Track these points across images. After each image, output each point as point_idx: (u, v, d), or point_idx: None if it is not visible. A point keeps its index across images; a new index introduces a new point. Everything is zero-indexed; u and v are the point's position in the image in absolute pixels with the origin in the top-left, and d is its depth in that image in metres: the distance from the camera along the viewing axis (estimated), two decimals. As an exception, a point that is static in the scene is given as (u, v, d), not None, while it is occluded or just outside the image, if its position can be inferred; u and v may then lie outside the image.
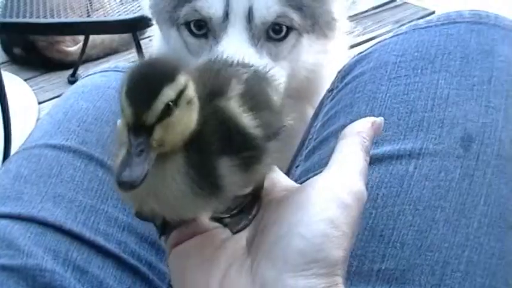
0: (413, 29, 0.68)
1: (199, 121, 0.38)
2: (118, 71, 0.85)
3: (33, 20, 1.50)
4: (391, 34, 0.71)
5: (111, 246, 0.61)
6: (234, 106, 0.40)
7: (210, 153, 0.38)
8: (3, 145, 1.79)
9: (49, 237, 0.59)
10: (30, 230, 0.59)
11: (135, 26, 1.49)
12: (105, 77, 0.83)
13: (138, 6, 1.55)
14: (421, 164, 0.56)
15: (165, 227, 0.46)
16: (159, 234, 0.47)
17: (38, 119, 2.24)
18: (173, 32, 0.78)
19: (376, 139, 0.60)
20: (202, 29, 0.74)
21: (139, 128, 0.35)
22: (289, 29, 0.74)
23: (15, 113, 1.81)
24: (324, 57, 0.81)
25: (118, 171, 0.34)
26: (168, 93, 0.35)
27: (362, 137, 0.44)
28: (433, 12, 2.79)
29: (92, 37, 2.35)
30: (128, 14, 1.59)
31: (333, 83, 0.74)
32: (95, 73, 0.87)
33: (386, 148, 0.59)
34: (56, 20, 1.50)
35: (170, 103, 0.35)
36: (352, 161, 0.43)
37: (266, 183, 0.45)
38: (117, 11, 1.63)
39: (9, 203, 0.62)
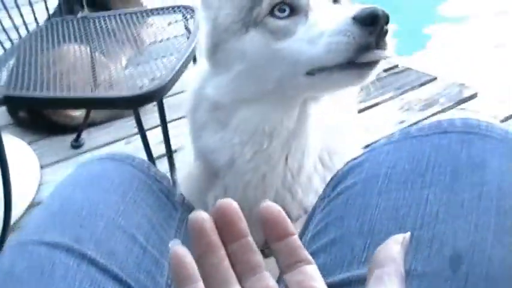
0: (405, 138, 0.69)
1: None
2: (114, 159, 0.86)
3: (37, 94, 1.52)
4: (383, 141, 0.72)
5: None
6: None
7: None
8: (4, 209, 1.78)
9: None
10: None
11: (137, 102, 1.52)
12: (100, 166, 0.84)
13: (141, 80, 1.60)
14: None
15: None
16: None
17: (40, 184, 2.24)
18: (250, 35, 0.82)
19: (365, 259, 0.60)
20: (284, 12, 0.81)
21: None
22: None
23: (17, 177, 1.81)
24: None
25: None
26: None
27: (398, 265, 0.45)
28: (435, 78, 2.82)
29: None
30: (130, 88, 1.62)
31: (324, 190, 0.74)
32: (92, 160, 0.88)
33: None
34: (59, 95, 1.53)
35: None
36: None
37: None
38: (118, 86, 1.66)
39: None
